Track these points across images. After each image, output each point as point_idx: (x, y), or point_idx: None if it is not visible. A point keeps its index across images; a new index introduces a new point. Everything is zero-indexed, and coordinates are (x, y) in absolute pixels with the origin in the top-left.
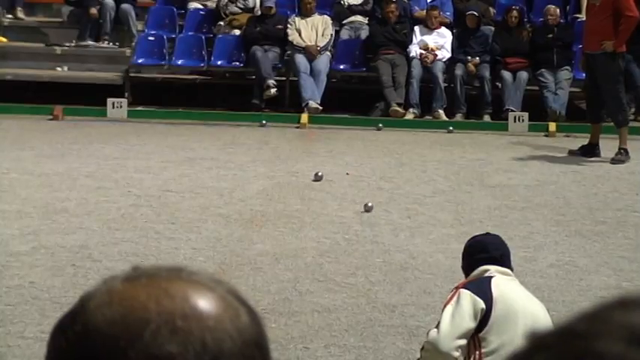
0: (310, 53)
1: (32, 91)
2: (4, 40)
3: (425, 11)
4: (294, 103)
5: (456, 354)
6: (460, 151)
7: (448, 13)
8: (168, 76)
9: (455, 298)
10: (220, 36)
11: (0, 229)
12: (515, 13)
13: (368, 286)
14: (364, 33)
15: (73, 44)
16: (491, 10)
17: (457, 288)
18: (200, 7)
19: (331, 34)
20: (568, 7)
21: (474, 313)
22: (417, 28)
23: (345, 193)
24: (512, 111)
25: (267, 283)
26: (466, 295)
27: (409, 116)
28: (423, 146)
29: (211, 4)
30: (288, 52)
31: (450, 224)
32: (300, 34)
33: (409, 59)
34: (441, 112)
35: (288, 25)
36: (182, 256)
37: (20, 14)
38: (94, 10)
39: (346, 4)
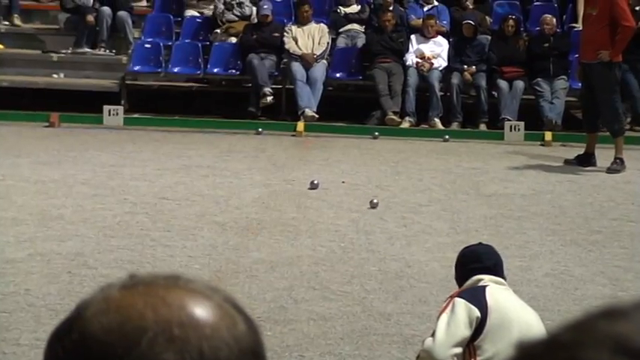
0: (307, 61)
1: (28, 97)
2: (0, 46)
3: (421, 20)
4: (290, 111)
5: None
6: (456, 159)
7: (445, 22)
8: (164, 84)
9: (450, 307)
10: (217, 44)
11: None
12: (511, 22)
13: (363, 295)
14: (361, 41)
15: (69, 51)
16: (488, 19)
17: (451, 297)
18: (197, 14)
19: (328, 43)
20: (564, 17)
21: (469, 322)
22: (413, 37)
23: (340, 202)
24: (508, 120)
25: (262, 291)
26: (461, 303)
27: (405, 125)
28: (419, 155)
29: (208, 12)
30: (285, 60)
31: (445, 233)
32: (296, 43)
33: (405, 68)
34: (437, 120)
35: (285, 34)
36: (178, 263)
37: (17, 21)
38: (90, 18)
39: (343, 12)
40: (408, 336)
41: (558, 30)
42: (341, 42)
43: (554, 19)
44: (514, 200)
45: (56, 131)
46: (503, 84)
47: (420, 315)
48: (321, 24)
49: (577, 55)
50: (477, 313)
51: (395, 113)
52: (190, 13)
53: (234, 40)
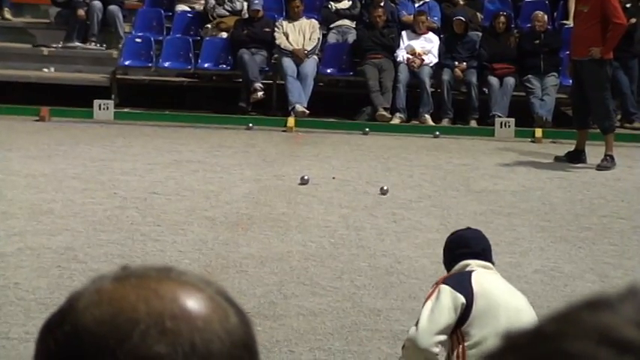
0: (297, 57)
1: (19, 92)
2: None
3: (412, 16)
4: (281, 107)
5: (436, 350)
6: (446, 156)
7: (436, 18)
8: (155, 79)
9: (434, 294)
10: (208, 39)
11: None
12: (502, 18)
13: (353, 290)
14: (351, 37)
15: (60, 45)
16: (479, 15)
17: (437, 284)
18: (187, 9)
19: (318, 38)
20: (555, 14)
21: (453, 308)
22: (404, 33)
23: (331, 197)
24: (498, 117)
25: (252, 286)
26: (446, 290)
27: (396, 121)
28: (409, 151)
29: (199, 7)
30: (276, 55)
31: (435, 229)
32: (287, 38)
33: (396, 64)
34: (428, 117)
35: (276, 29)
36: (168, 258)
37: (7, 15)
38: (81, 12)
39: (334, 8)
40: (398, 332)
41: (549, 27)
42: (332, 38)
43: (546, 16)
44: (504, 197)
45: (46, 125)
46: (493, 80)
47: (409, 311)
48: (312, 19)
49: (568, 52)
50: (462, 299)
51: (385, 109)
52: (181, 7)
53: (224, 35)
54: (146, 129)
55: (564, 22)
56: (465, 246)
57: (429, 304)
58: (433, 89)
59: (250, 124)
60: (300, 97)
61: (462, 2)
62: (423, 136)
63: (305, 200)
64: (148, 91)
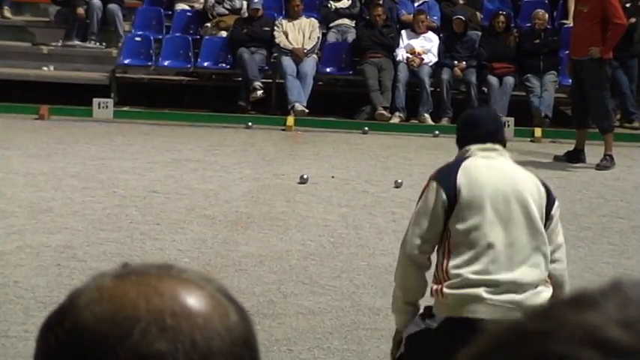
0: (297, 56)
1: (18, 90)
2: None
3: (412, 15)
4: (280, 106)
5: (422, 256)
6: (446, 155)
7: (435, 18)
8: (154, 77)
9: (424, 193)
10: (207, 37)
11: None
12: (502, 18)
13: (352, 289)
14: (351, 36)
15: (59, 44)
16: (479, 14)
17: (431, 177)
18: (187, 8)
19: (318, 37)
20: (555, 13)
21: (439, 206)
22: (403, 32)
23: (330, 196)
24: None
25: (251, 285)
26: (432, 189)
27: (395, 120)
28: (408, 150)
29: (198, 6)
30: (275, 54)
31: None
32: (286, 37)
33: (396, 63)
34: (427, 116)
35: (275, 28)
36: (167, 257)
37: (7, 13)
38: (81, 10)
39: (333, 7)
40: None
41: (549, 26)
42: (331, 37)
43: (546, 15)
44: None
45: (46, 124)
46: (493, 80)
47: None
48: (312, 18)
49: (568, 52)
50: (444, 197)
51: (385, 108)
52: (181, 6)
53: (224, 34)
54: (145, 128)
55: (564, 21)
56: (474, 126)
57: (417, 205)
58: (432, 88)
59: (249, 123)
60: (299, 96)
61: (461, 1)
62: (423, 136)
63: (304, 199)
64: (148, 90)
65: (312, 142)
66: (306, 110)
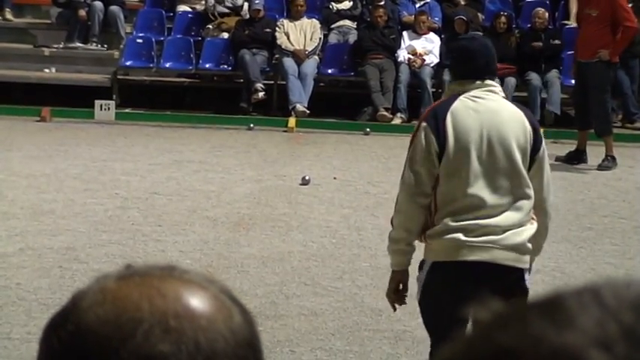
0: (298, 57)
1: (20, 92)
2: None
3: (413, 16)
4: (281, 107)
5: (424, 198)
6: None
7: (437, 19)
8: (156, 79)
9: (416, 137)
10: (209, 39)
11: None
12: (503, 19)
13: (355, 290)
14: (352, 37)
15: (61, 46)
16: (480, 15)
17: (421, 118)
18: (189, 9)
19: (320, 39)
20: (557, 14)
21: (432, 151)
22: (405, 34)
23: (332, 198)
24: None
25: (253, 287)
26: (422, 134)
27: (396, 121)
28: None
29: (200, 7)
30: (277, 55)
31: None
32: (288, 38)
33: (397, 64)
34: None
35: (277, 28)
36: (169, 258)
37: (9, 15)
38: (82, 12)
39: (335, 8)
40: (399, 332)
41: (550, 26)
42: (333, 38)
43: (547, 14)
44: None
45: (48, 126)
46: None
47: (411, 311)
48: (313, 19)
49: (570, 52)
50: (434, 142)
51: (386, 109)
52: (182, 8)
53: (226, 35)
54: (147, 129)
55: (565, 22)
56: (468, 60)
57: (410, 149)
58: (434, 89)
59: (251, 125)
60: (300, 97)
61: (462, 2)
62: None
63: (306, 200)
64: (149, 92)
65: (314, 143)
66: (307, 111)
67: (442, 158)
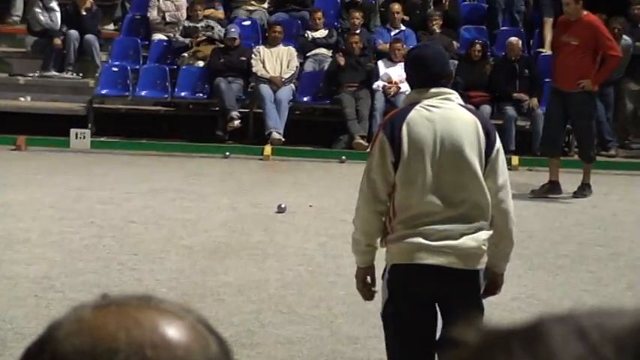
0: (274, 84)
1: None
2: None
3: (388, 44)
4: (257, 135)
5: (381, 204)
6: None
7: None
8: (132, 107)
9: (374, 145)
10: (184, 67)
11: None
12: (478, 47)
13: (331, 318)
14: (328, 65)
15: (36, 74)
16: (455, 43)
17: (381, 125)
18: (164, 38)
19: (297, 67)
20: (532, 41)
21: (388, 160)
22: (380, 62)
23: (308, 225)
24: None
25: (229, 315)
26: (380, 143)
27: None
28: None
29: (175, 38)
30: (252, 83)
31: None
32: (264, 65)
33: (373, 92)
34: None
35: (253, 56)
36: (145, 287)
37: None
38: (57, 41)
39: (310, 37)
40: None
41: (525, 54)
42: (308, 66)
43: (520, 42)
44: None
45: (23, 154)
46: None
47: None
48: (290, 47)
49: (548, 80)
50: (390, 151)
51: (362, 137)
52: (158, 36)
53: (201, 63)
54: (123, 158)
55: (540, 49)
56: (422, 67)
57: (369, 156)
58: None
59: (227, 153)
60: (276, 123)
61: (437, 30)
62: None
63: (282, 228)
64: (125, 120)
65: (290, 171)
66: (283, 139)
67: (398, 167)
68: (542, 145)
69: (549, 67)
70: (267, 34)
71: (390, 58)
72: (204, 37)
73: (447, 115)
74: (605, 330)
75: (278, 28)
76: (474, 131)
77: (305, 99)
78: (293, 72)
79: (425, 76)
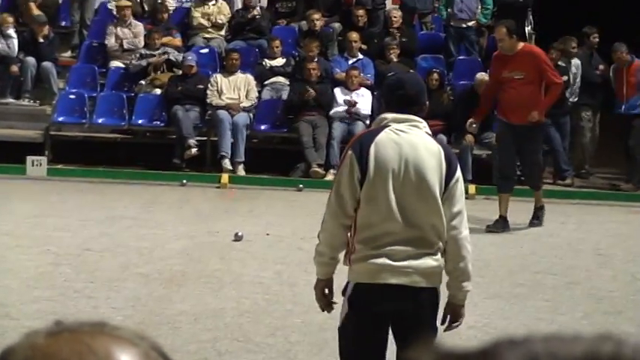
0: (232, 109)
1: None
2: None
3: (345, 73)
4: (214, 163)
5: (347, 219)
6: None
7: (369, 75)
8: (89, 135)
9: (343, 163)
10: (141, 95)
11: None
12: (435, 75)
13: (287, 347)
14: (285, 94)
15: None
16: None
17: (350, 143)
18: (122, 65)
19: (256, 97)
20: (489, 71)
21: (355, 178)
22: (337, 89)
23: (265, 254)
24: None
25: (186, 343)
26: (348, 161)
27: (330, 177)
28: None
29: (132, 65)
30: (210, 112)
31: None
32: (221, 94)
33: (330, 120)
34: None
35: (209, 86)
36: (101, 315)
37: None
38: (14, 68)
39: (268, 65)
40: None
41: None
42: (266, 94)
43: (485, 77)
44: None
45: None
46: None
47: None
48: (248, 75)
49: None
50: (357, 170)
51: (319, 165)
52: (115, 64)
53: (158, 91)
54: (80, 185)
55: None
56: (398, 88)
57: (337, 172)
58: None
59: (184, 181)
60: (227, 147)
61: (395, 59)
62: None
63: (239, 256)
64: (82, 148)
65: (247, 199)
66: (230, 168)
67: (363, 184)
68: (496, 181)
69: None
70: (224, 62)
71: (347, 86)
72: (163, 59)
73: (414, 141)
74: (557, 357)
75: (235, 56)
76: (437, 159)
77: (263, 127)
78: (253, 102)
79: (399, 97)
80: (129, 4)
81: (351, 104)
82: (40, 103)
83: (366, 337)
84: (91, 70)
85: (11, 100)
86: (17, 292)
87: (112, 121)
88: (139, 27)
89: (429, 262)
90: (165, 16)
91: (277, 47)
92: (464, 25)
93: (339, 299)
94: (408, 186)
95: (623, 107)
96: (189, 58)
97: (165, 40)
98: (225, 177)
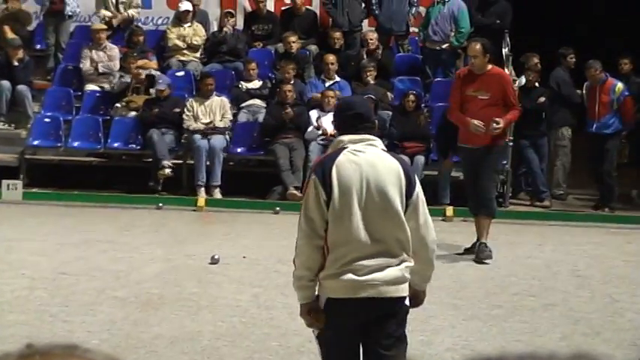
0: (207, 133)
1: None
2: None
3: (320, 94)
4: (191, 186)
5: (319, 240)
6: None
7: None
8: (64, 158)
9: (308, 187)
10: (117, 118)
11: None
12: (412, 97)
13: None
14: (262, 116)
15: None
16: (389, 94)
17: (313, 168)
18: (97, 89)
19: (230, 120)
20: None
21: (321, 201)
22: (313, 111)
23: (241, 277)
24: None
25: None
26: (312, 185)
27: None
28: None
29: (108, 86)
30: (185, 135)
31: None
32: (196, 119)
33: (307, 143)
34: None
35: (186, 110)
36: (76, 339)
37: None
38: None
39: (244, 87)
40: None
41: None
42: (242, 117)
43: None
44: None
45: None
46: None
47: None
48: (223, 98)
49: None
50: (322, 193)
51: (296, 188)
52: (90, 87)
53: (134, 114)
54: (55, 209)
55: None
56: (348, 109)
57: (304, 197)
58: None
59: (160, 204)
60: (203, 173)
61: (372, 82)
62: None
63: (216, 279)
64: (58, 171)
65: (224, 222)
66: (205, 196)
67: (329, 206)
68: (468, 204)
69: None
70: (199, 87)
71: (322, 108)
72: (145, 73)
73: (371, 160)
74: None
75: (210, 81)
76: (396, 175)
77: (239, 150)
78: (228, 125)
79: (352, 120)
80: (104, 27)
81: (318, 127)
82: (15, 126)
83: (340, 348)
84: (66, 93)
85: None
86: None
87: (87, 144)
88: (114, 50)
89: (392, 272)
90: (141, 38)
91: (253, 70)
92: (438, 48)
93: None
94: (371, 203)
95: (595, 126)
96: (160, 82)
97: (140, 62)
98: (201, 200)
